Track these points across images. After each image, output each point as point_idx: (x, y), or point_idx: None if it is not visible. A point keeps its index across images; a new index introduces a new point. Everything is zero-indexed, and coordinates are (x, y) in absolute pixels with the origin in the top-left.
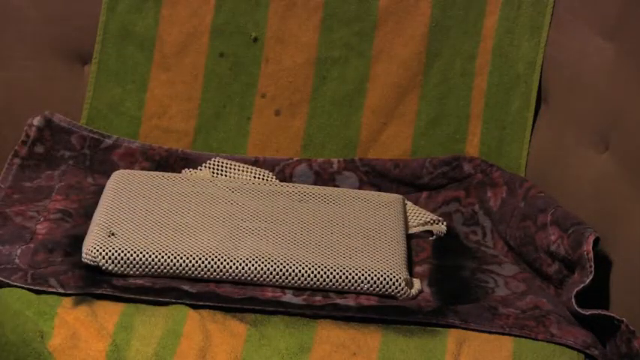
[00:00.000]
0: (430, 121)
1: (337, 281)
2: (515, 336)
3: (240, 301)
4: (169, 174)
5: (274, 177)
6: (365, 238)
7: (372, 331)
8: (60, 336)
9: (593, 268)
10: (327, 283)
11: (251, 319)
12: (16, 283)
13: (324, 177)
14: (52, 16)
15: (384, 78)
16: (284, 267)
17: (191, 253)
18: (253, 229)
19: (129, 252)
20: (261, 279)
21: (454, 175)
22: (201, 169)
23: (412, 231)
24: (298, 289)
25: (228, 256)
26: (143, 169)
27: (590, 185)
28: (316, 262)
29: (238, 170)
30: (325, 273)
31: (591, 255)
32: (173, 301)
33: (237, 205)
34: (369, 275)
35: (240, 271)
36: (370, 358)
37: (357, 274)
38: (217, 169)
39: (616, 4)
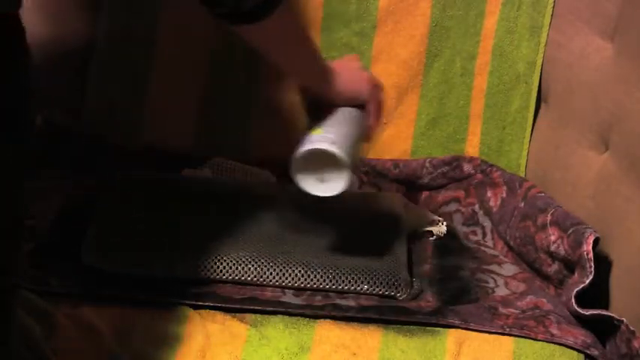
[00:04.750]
0: (430, 121)
1: (337, 281)
2: (515, 336)
3: (240, 301)
4: (169, 174)
5: (274, 177)
6: (365, 238)
7: (372, 331)
8: (60, 336)
9: (593, 268)
10: (327, 283)
11: (251, 319)
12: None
13: None
14: (52, 16)
15: (384, 78)
16: (284, 267)
17: (191, 253)
18: (253, 229)
19: (129, 252)
20: (261, 279)
21: (454, 175)
22: (201, 169)
23: (412, 231)
24: (298, 289)
25: (228, 256)
26: (143, 169)
27: (590, 185)
28: (316, 262)
29: (238, 170)
30: (325, 273)
31: (591, 255)
32: (173, 301)
33: (237, 205)
34: (369, 275)
35: (240, 271)
36: (370, 358)
37: (357, 274)
38: (217, 169)
39: (616, 4)
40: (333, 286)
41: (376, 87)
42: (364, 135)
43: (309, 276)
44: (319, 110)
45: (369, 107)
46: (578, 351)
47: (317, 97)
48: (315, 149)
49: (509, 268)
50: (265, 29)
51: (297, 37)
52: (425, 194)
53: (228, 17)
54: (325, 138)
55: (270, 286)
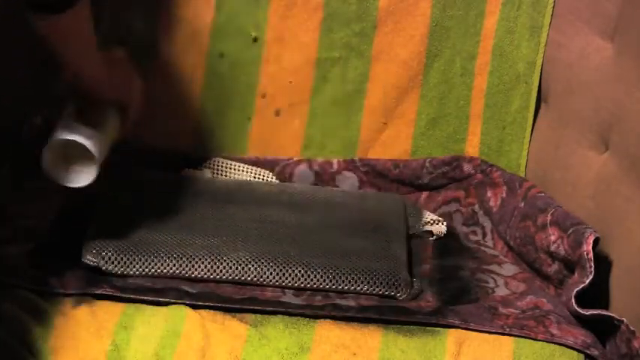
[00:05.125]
0: (430, 121)
1: (337, 281)
2: (515, 336)
3: (240, 301)
4: (169, 174)
5: (274, 177)
6: (365, 238)
7: (372, 331)
8: (60, 336)
9: (593, 268)
10: (327, 284)
11: (251, 319)
12: (16, 283)
13: (324, 177)
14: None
15: (384, 78)
16: (284, 267)
17: (191, 253)
18: (253, 229)
19: (129, 252)
20: (261, 279)
21: (454, 175)
22: (201, 169)
23: (412, 231)
24: (298, 289)
25: (228, 256)
26: (143, 169)
27: (590, 185)
28: (316, 262)
29: (238, 170)
30: (325, 273)
31: (591, 255)
32: (173, 301)
33: (237, 205)
34: (369, 276)
35: (240, 271)
36: (370, 358)
37: (356, 275)
38: (217, 169)
39: (616, 4)
40: (333, 286)
41: (136, 89)
42: (118, 133)
43: (309, 276)
44: (82, 100)
45: (128, 110)
46: (578, 351)
47: (85, 89)
48: (70, 140)
49: (509, 268)
50: (65, 22)
51: (89, 34)
52: (425, 194)
53: (33, 6)
54: (81, 130)
55: (270, 286)
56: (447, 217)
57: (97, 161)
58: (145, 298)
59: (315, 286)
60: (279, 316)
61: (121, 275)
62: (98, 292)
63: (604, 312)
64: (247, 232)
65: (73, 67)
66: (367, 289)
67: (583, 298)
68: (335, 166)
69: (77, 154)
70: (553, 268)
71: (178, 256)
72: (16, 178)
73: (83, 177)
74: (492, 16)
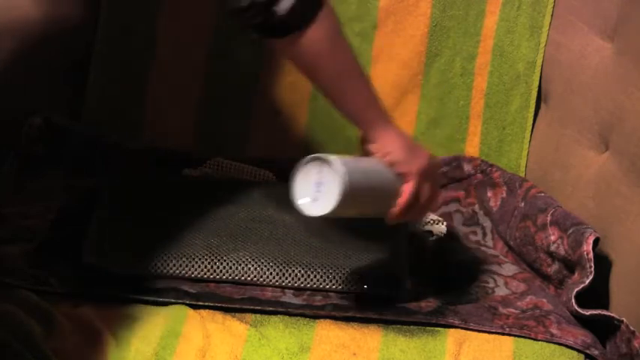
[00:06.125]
0: (430, 121)
1: (337, 281)
2: (515, 336)
3: (240, 301)
4: (169, 174)
5: (274, 177)
6: (365, 238)
7: (372, 331)
8: (60, 336)
9: (593, 269)
10: (327, 283)
11: (251, 319)
12: (16, 283)
13: None
14: (52, 16)
15: (384, 78)
16: (284, 267)
17: (191, 253)
18: (253, 229)
19: (129, 252)
20: (261, 279)
21: (454, 175)
22: (201, 169)
23: (412, 231)
24: (298, 289)
25: (228, 256)
26: (143, 169)
27: (590, 185)
28: (316, 262)
29: (238, 170)
30: (325, 273)
31: (591, 255)
32: (173, 301)
33: (237, 205)
34: (369, 275)
35: (240, 271)
36: (370, 358)
37: (357, 274)
38: (217, 169)
39: (616, 4)
40: (333, 286)
41: (425, 175)
42: (385, 205)
43: (309, 276)
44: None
45: (406, 185)
46: (578, 351)
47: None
48: (316, 156)
49: (509, 268)
50: (303, 41)
51: (346, 54)
52: None
53: (261, 28)
54: (336, 159)
55: (270, 286)
56: (447, 217)
57: (341, 187)
58: (145, 298)
59: (315, 286)
60: (279, 316)
61: (120, 275)
62: (98, 292)
63: (604, 312)
64: (247, 232)
65: (335, 101)
66: (367, 289)
67: (583, 298)
68: None
69: (328, 187)
70: (553, 268)
71: (178, 256)
72: (16, 178)
73: (321, 205)
74: (492, 16)
